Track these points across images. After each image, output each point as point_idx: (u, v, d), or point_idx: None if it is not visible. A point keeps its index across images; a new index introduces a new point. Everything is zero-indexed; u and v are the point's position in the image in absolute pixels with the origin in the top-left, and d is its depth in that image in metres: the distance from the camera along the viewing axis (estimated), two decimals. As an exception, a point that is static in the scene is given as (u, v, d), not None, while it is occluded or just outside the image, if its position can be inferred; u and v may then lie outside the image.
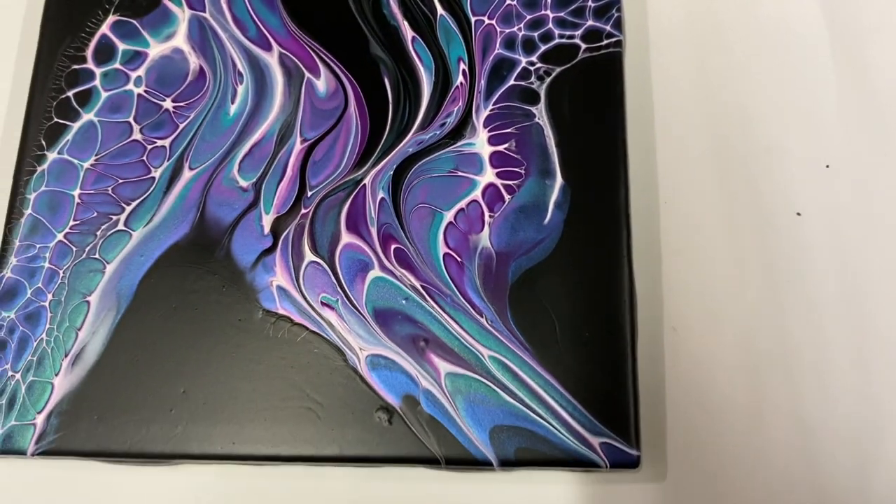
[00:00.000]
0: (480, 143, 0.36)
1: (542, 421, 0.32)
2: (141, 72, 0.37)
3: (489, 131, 0.36)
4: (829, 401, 0.34)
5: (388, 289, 0.34)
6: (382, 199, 0.35)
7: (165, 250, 0.34)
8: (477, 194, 0.35)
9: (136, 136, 0.36)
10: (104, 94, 0.36)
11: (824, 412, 0.34)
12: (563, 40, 0.37)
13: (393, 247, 0.34)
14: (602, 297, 0.33)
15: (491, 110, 0.36)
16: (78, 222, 0.35)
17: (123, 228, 0.35)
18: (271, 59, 0.37)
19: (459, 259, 0.34)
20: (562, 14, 0.37)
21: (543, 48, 0.37)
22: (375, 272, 0.34)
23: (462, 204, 0.35)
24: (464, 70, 0.37)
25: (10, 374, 0.33)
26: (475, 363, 0.33)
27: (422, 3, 0.38)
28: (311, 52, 0.37)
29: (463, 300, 0.33)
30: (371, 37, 0.37)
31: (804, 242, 0.36)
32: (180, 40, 0.37)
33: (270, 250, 0.34)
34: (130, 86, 0.37)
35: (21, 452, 0.32)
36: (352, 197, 0.35)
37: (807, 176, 0.37)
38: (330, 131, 0.36)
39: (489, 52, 0.37)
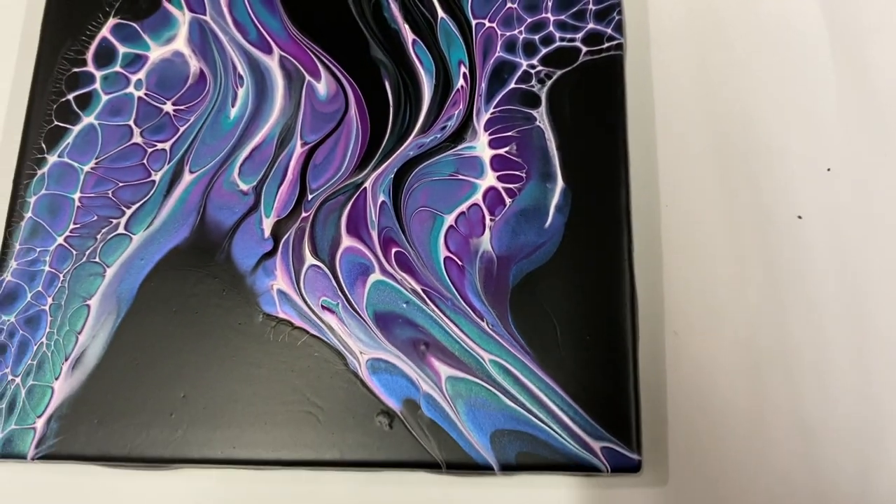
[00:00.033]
0: (481, 146, 0.35)
1: (543, 425, 0.32)
2: (141, 75, 0.37)
3: (490, 134, 0.36)
4: (830, 404, 0.34)
5: (389, 292, 0.34)
6: (383, 202, 0.35)
7: (165, 254, 0.34)
8: (478, 198, 0.35)
9: (137, 139, 0.36)
10: (104, 98, 0.36)
11: (826, 415, 0.34)
12: (564, 43, 0.37)
13: (394, 250, 0.34)
14: (603, 300, 0.33)
15: (492, 113, 0.36)
16: (78, 226, 0.35)
17: (124, 232, 0.35)
18: (272, 62, 0.37)
19: (460, 262, 0.34)
20: (563, 17, 0.37)
21: (544, 51, 0.37)
22: (376, 276, 0.34)
23: (463, 207, 0.35)
24: (464, 73, 0.36)
25: (10, 377, 0.33)
26: (476, 367, 0.33)
27: (422, 6, 0.38)
28: (311, 54, 0.37)
29: (464, 304, 0.33)
30: (371, 39, 0.37)
31: (805, 246, 0.36)
32: (181, 43, 0.37)
33: (271, 254, 0.34)
34: (131, 89, 0.37)
35: (21, 456, 0.32)
36: (352, 200, 0.35)
37: (808, 178, 0.37)
38: (330, 134, 0.36)
39: (490, 55, 0.37)
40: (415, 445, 0.32)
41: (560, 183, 0.35)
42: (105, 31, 0.37)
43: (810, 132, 0.38)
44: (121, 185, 0.35)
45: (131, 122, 0.36)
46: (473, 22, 0.37)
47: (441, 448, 0.32)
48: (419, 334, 0.33)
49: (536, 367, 0.32)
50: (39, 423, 0.32)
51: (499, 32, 0.37)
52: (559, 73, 0.36)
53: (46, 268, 0.34)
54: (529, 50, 0.37)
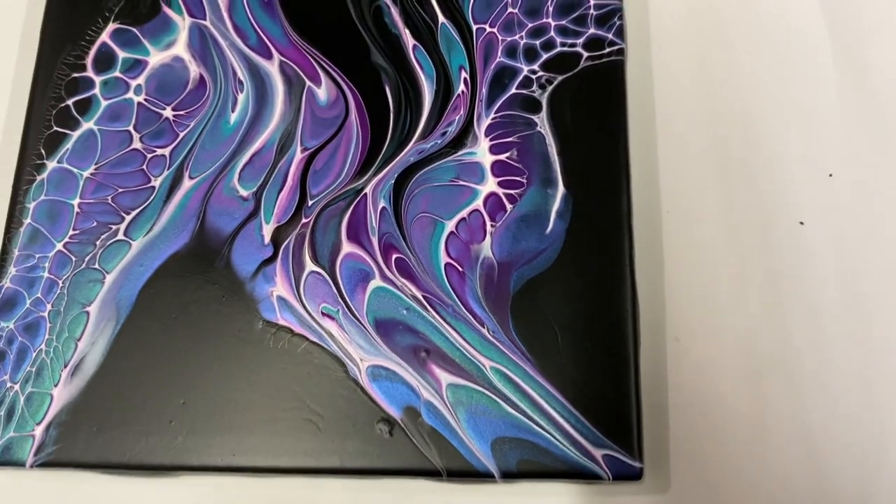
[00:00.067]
0: (482, 152, 0.35)
1: (544, 432, 0.32)
2: (141, 80, 0.37)
3: (490, 140, 0.35)
4: (832, 411, 0.34)
5: (390, 299, 0.33)
6: (383, 208, 0.35)
7: (165, 260, 0.34)
8: (478, 203, 0.35)
9: (136, 144, 0.36)
10: (104, 103, 0.36)
11: (828, 422, 0.34)
12: (565, 48, 0.37)
13: (394, 256, 0.34)
14: (604, 306, 0.33)
15: (492, 119, 0.36)
16: (77, 232, 0.35)
17: (123, 238, 0.34)
18: (272, 68, 0.37)
19: (461, 269, 0.34)
20: (563, 22, 0.37)
21: (545, 56, 0.37)
22: (376, 282, 0.34)
23: (463, 213, 0.35)
24: (465, 78, 0.36)
25: (8, 384, 0.33)
26: (477, 374, 0.32)
27: (423, 11, 0.37)
28: (311, 60, 0.37)
29: (464, 310, 0.33)
30: (372, 45, 0.37)
31: (807, 251, 0.36)
32: (181, 48, 0.37)
33: (271, 260, 0.34)
34: (130, 94, 0.36)
35: (20, 464, 0.32)
36: (353, 206, 0.35)
37: (809, 183, 0.37)
38: (331, 140, 0.36)
39: (491, 61, 0.37)
40: (415, 453, 0.32)
41: (561, 189, 0.35)
42: (105, 36, 0.37)
43: (812, 135, 0.38)
44: (120, 190, 0.35)
45: (131, 128, 0.36)
46: (474, 27, 0.37)
47: (442, 455, 0.31)
48: (420, 341, 0.33)
49: (537, 373, 0.32)
50: (38, 431, 0.32)
51: (500, 37, 0.37)
52: (560, 78, 0.36)
53: (45, 274, 0.34)
54: (530, 55, 0.37)
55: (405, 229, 0.34)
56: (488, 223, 0.34)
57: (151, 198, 0.35)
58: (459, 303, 0.33)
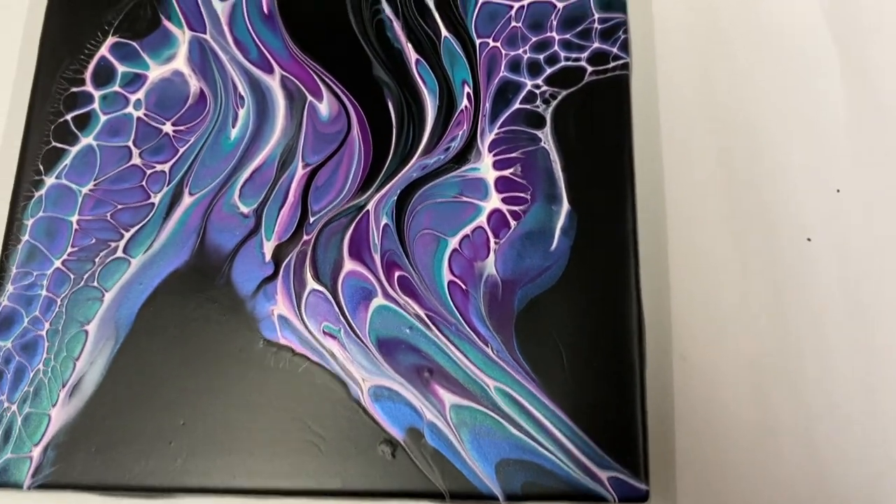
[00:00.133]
0: (485, 167, 0.35)
1: (548, 454, 0.31)
2: (140, 94, 0.36)
3: (494, 156, 0.35)
4: (840, 429, 0.34)
5: (392, 317, 0.33)
6: (386, 225, 0.34)
7: (165, 278, 0.34)
8: (482, 220, 0.34)
9: (136, 160, 0.35)
10: (103, 118, 0.36)
11: (836, 440, 0.33)
12: (569, 63, 0.36)
13: (397, 274, 0.34)
14: (610, 325, 0.33)
15: (496, 134, 0.35)
16: (76, 249, 0.34)
17: (122, 255, 0.34)
18: (273, 82, 0.36)
19: (464, 287, 0.33)
20: (568, 36, 0.37)
21: (549, 71, 0.36)
22: (379, 300, 0.33)
23: (467, 230, 0.34)
24: (468, 93, 0.36)
25: (5, 405, 0.32)
26: (481, 395, 0.32)
27: (426, 25, 0.37)
28: (313, 74, 0.36)
29: (468, 329, 0.33)
30: (374, 59, 0.37)
31: (814, 268, 0.36)
32: (181, 62, 0.37)
33: (272, 278, 0.34)
34: (130, 109, 0.36)
35: (17, 486, 0.32)
36: (355, 223, 0.34)
37: (816, 198, 0.37)
38: (332, 156, 0.35)
39: (494, 75, 0.36)
40: (418, 475, 0.31)
41: (565, 205, 0.34)
42: (104, 50, 0.37)
43: (817, 146, 0.37)
44: (119, 207, 0.35)
45: (130, 143, 0.35)
46: (477, 41, 0.37)
47: (445, 478, 0.31)
48: (423, 360, 0.32)
49: (542, 394, 0.32)
50: (36, 452, 0.32)
51: (503, 52, 0.37)
52: (564, 93, 0.36)
53: (44, 292, 0.34)
54: (534, 70, 0.36)
55: (408, 246, 0.34)
56: (492, 240, 0.34)
57: (151, 214, 0.35)
58: (463, 321, 0.33)
